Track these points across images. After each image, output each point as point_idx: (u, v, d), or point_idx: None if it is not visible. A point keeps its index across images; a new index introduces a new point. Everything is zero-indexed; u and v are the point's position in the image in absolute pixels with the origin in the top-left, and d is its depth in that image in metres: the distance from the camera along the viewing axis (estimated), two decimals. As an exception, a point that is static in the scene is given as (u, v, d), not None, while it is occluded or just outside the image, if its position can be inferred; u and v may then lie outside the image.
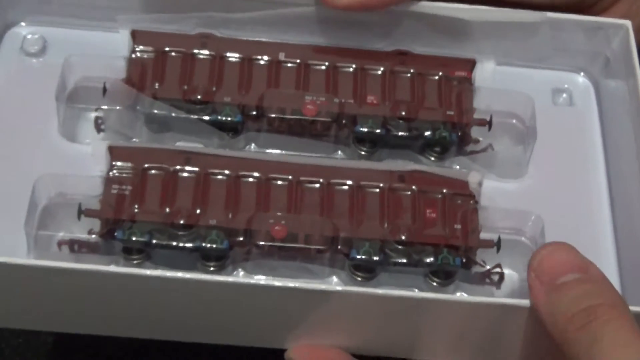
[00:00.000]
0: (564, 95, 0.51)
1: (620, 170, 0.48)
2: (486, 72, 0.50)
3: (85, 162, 0.45)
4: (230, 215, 0.44)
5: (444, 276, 0.44)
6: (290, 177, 0.45)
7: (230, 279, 0.41)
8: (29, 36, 0.49)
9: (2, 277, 0.40)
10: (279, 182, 0.45)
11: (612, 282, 0.44)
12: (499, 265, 0.45)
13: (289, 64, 0.48)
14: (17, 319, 0.45)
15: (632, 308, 0.38)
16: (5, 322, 0.45)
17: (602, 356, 0.37)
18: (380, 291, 0.40)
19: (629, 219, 0.46)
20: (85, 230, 0.44)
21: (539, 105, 0.49)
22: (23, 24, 0.50)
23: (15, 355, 0.60)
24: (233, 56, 0.48)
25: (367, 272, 0.44)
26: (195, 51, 0.48)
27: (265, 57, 0.48)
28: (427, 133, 0.47)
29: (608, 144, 0.50)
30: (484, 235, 0.45)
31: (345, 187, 0.45)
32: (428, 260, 0.44)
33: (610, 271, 0.46)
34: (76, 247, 0.44)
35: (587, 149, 0.50)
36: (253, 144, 0.47)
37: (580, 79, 0.52)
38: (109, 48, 0.49)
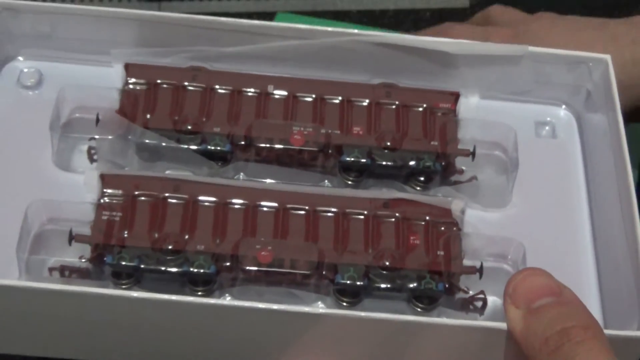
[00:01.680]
0: (547, 127, 0.52)
1: (602, 200, 0.49)
2: (470, 105, 0.51)
3: (78, 191, 0.46)
4: (217, 241, 0.45)
5: (427, 302, 0.45)
6: (276, 204, 0.46)
7: (215, 301, 0.42)
8: (25, 70, 0.51)
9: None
10: (265, 209, 0.46)
11: (593, 307, 0.45)
12: (482, 292, 0.46)
13: (277, 96, 0.49)
14: (7, 343, 0.46)
15: (606, 331, 0.39)
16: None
17: None
18: (362, 314, 0.41)
19: (610, 247, 0.47)
20: (76, 255, 0.45)
21: (522, 138, 0.50)
22: (20, 58, 0.51)
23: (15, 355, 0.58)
24: (223, 88, 0.49)
25: (352, 297, 0.45)
26: (186, 83, 0.49)
27: (254, 89, 0.49)
28: (412, 163, 0.48)
29: (590, 175, 0.51)
30: (467, 262, 0.45)
31: (331, 214, 0.46)
32: (411, 285, 0.44)
33: (592, 297, 0.46)
34: (66, 272, 0.45)
35: (570, 180, 0.51)
36: (242, 173, 0.48)
37: (563, 112, 0.53)
38: (103, 82, 0.50)
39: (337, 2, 0.84)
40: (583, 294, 0.42)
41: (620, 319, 0.44)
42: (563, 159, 0.51)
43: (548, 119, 0.53)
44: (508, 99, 0.52)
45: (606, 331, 0.39)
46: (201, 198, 0.46)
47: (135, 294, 0.41)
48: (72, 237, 0.44)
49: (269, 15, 0.88)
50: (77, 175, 0.48)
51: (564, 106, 0.53)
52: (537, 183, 0.50)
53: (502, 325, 0.41)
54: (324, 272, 0.44)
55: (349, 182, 0.48)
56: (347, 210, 0.46)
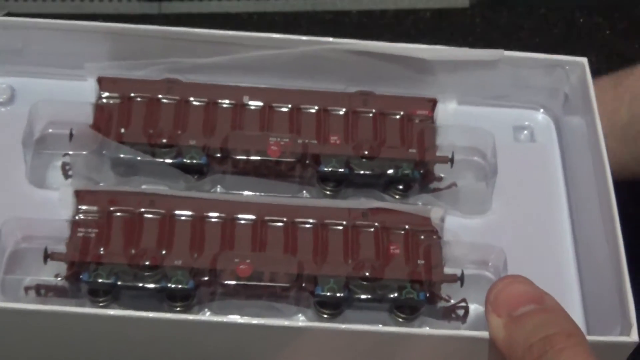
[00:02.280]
0: (525, 132, 0.52)
1: (582, 203, 0.49)
2: (448, 111, 0.51)
3: (53, 208, 0.46)
4: (195, 256, 0.44)
5: (409, 311, 0.45)
6: (254, 217, 0.45)
7: (194, 317, 0.41)
8: (-5, 85, 0.50)
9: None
10: (243, 222, 0.45)
11: (576, 313, 0.45)
12: (464, 300, 0.45)
13: (253, 107, 0.49)
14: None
15: (589, 337, 0.39)
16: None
17: None
18: (342, 326, 0.41)
19: (591, 251, 0.47)
20: (52, 274, 0.44)
21: (501, 143, 0.50)
22: (-8, 74, 0.51)
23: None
24: (197, 100, 0.49)
25: (333, 308, 0.44)
26: (160, 96, 0.48)
27: (229, 101, 0.49)
28: (390, 171, 0.48)
29: (569, 178, 0.50)
30: (447, 270, 0.45)
31: (309, 225, 0.45)
32: (392, 295, 0.44)
33: (574, 302, 0.46)
34: (42, 291, 0.44)
35: (550, 184, 0.50)
36: (219, 186, 0.48)
37: (541, 115, 0.53)
38: (77, 96, 0.49)
39: (337, 2, 0.84)
40: (565, 300, 0.41)
41: (603, 324, 0.44)
42: (542, 163, 0.51)
43: (526, 123, 0.52)
44: (486, 104, 0.52)
45: (589, 337, 0.39)
46: (177, 212, 0.45)
47: (112, 311, 0.41)
48: (47, 256, 0.44)
49: (269, 16, 0.88)
50: (52, 192, 0.47)
51: (542, 110, 0.53)
52: (516, 188, 0.50)
53: (484, 334, 0.41)
54: (303, 285, 0.44)
55: (328, 192, 0.48)
56: (326, 221, 0.46)
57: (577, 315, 0.46)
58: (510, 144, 0.52)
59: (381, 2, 0.91)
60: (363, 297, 0.44)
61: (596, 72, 0.74)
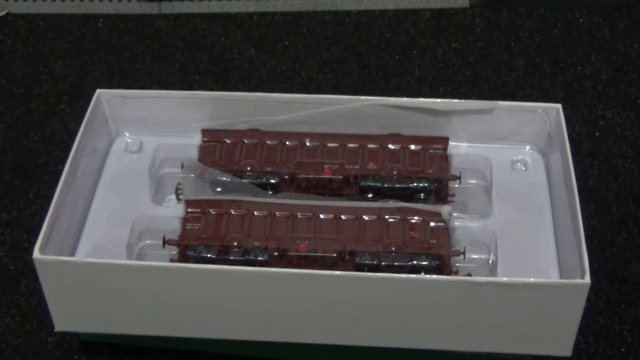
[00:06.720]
0: (519, 164, 0.68)
1: (559, 211, 0.64)
2: (460, 150, 0.68)
3: (167, 218, 0.64)
4: (269, 239, 0.61)
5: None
6: (310, 214, 0.62)
7: (276, 269, 0.57)
8: (129, 140, 0.70)
9: (103, 279, 0.58)
10: (302, 217, 0.62)
11: (553, 267, 0.60)
12: (469, 274, 0.61)
13: (311, 145, 0.67)
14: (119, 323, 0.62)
15: (559, 280, 0.54)
16: (109, 327, 0.62)
17: None
18: (380, 275, 0.57)
19: (563, 234, 0.62)
20: (168, 259, 0.62)
21: (501, 170, 0.67)
22: (127, 134, 0.70)
23: (15, 355, 0.63)
24: (272, 141, 0.67)
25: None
26: (245, 140, 0.67)
27: (295, 142, 0.67)
28: (413, 184, 0.64)
29: (552, 195, 0.66)
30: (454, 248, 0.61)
31: (351, 217, 0.62)
32: (410, 263, 0.60)
33: (551, 264, 0.61)
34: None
35: (538, 200, 0.66)
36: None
37: (531, 151, 0.69)
38: (186, 145, 0.68)
39: (337, 2, 0.86)
40: (545, 263, 0.59)
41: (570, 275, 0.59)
42: (533, 185, 0.67)
43: (520, 157, 0.69)
44: (488, 142, 0.69)
45: (559, 280, 0.55)
46: (256, 212, 0.63)
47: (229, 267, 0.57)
48: (165, 242, 0.62)
49: (269, 16, 0.90)
50: (167, 209, 0.65)
51: (532, 146, 0.69)
52: (513, 201, 0.66)
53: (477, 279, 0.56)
54: (346, 257, 0.60)
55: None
56: (363, 216, 0.62)
57: (554, 268, 0.61)
58: (508, 171, 0.68)
59: (381, 2, 0.92)
60: (389, 264, 0.60)
61: (596, 72, 0.86)
